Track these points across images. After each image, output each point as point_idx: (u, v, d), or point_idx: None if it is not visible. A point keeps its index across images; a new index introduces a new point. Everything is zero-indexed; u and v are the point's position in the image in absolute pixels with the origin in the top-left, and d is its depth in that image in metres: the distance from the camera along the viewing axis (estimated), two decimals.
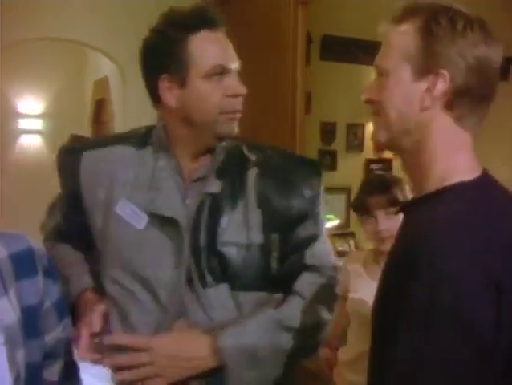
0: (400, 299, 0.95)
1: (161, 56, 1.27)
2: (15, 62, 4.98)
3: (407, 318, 0.94)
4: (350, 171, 4.84)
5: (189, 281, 1.29)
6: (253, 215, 1.32)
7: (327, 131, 4.85)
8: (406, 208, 1.14)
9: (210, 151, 1.34)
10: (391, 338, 0.95)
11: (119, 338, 1.29)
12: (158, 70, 1.28)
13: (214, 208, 1.31)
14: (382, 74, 1.08)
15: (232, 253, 1.30)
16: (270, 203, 1.33)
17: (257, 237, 1.32)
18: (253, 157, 1.37)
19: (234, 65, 1.30)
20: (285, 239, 1.35)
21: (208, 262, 1.29)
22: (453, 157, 1.03)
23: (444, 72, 1.01)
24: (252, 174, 1.35)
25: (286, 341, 1.30)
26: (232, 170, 1.34)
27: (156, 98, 1.32)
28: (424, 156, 1.04)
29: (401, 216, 1.13)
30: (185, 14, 1.27)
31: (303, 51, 3.16)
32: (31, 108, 5.83)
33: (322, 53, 4.70)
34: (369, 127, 5.06)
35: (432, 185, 1.03)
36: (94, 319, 1.30)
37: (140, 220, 1.31)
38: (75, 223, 1.43)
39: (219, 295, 1.29)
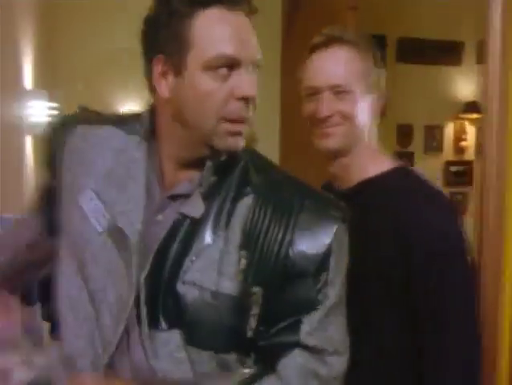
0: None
1: (160, 32, 0.99)
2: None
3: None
4: (428, 173, 4.78)
5: (138, 315, 1.00)
6: (231, 256, 0.99)
7: (404, 134, 4.83)
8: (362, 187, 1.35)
9: (201, 163, 1.03)
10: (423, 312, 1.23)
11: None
12: (154, 48, 1.01)
13: (188, 236, 1.00)
14: None
15: (192, 296, 0.98)
16: (260, 245, 1.00)
17: (227, 286, 0.98)
18: (255, 180, 1.04)
19: (251, 58, 0.99)
20: (272, 297, 0.99)
21: (164, 300, 0.99)
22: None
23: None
24: (246, 202, 1.02)
25: None
26: (225, 193, 1.02)
27: (150, 83, 1.04)
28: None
29: None
30: None
31: None
32: None
33: (397, 56, 4.71)
34: (448, 129, 5.00)
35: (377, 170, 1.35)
36: None
37: (102, 222, 1.05)
38: (46, 204, 1.18)
39: (168, 344, 0.98)
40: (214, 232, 1.00)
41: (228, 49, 0.96)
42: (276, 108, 3.55)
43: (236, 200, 1.02)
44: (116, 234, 1.03)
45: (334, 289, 1.01)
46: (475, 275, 1.33)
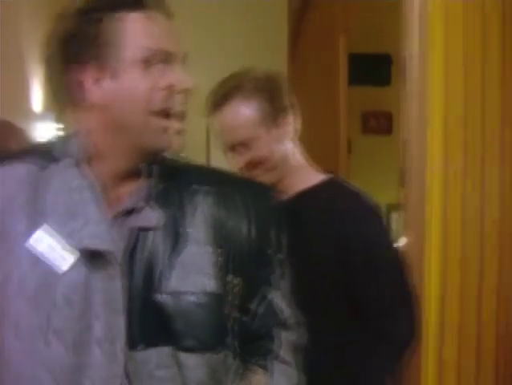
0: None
1: (84, 40, 0.96)
2: None
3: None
4: None
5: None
6: (205, 256, 1.00)
7: None
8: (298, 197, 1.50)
9: (139, 173, 1.00)
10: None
11: None
12: (80, 58, 0.97)
13: (152, 248, 0.98)
14: None
15: (176, 304, 0.97)
16: (229, 238, 1.02)
17: (211, 285, 0.99)
18: (199, 178, 1.06)
19: (181, 53, 1.01)
20: (249, 284, 1.03)
21: (141, 316, 0.96)
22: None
23: None
24: (200, 201, 1.03)
25: None
26: (177, 197, 1.01)
27: (72, 96, 0.99)
28: None
29: None
30: None
31: (345, 74, 3.57)
32: None
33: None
34: None
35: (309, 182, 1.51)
36: None
37: (62, 260, 0.95)
38: None
39: (147, 363, 0.96)
40: (176, 237, 0.99)
41: (160, 44, 0.97)
42: None
43: (190, 201, 1.02)
44: (89, 261, 0.95)
45: (287, 266, 1.09)
46: (403, 264, 1.50)
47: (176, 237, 0.99)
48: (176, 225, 0.99)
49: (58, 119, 4.12)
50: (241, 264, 1.02)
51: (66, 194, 0.96)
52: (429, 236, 1.86)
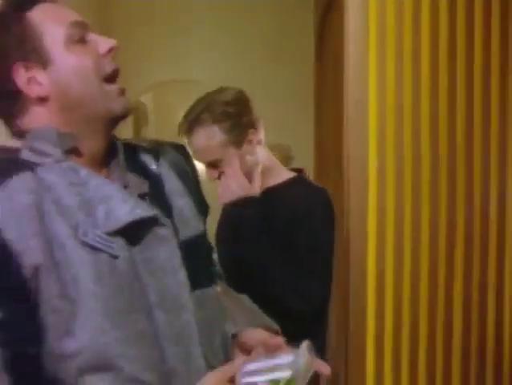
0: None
1: (8, 40, 0.99)
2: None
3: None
4: None
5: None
6: (188, 205, 1.11)
7: None
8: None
9: (107, 156, 1.06)
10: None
11: None
12: (10, 58, 0.99)
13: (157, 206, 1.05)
14: None
15: (195, 246, 1.08)
16: (190, 189, 1.14)
17: (200, 226, 1.13)
18: (145, 153, 1.14)
19: (85, 20, 1.06)
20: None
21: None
22: None
23: None
24: (161, 166, 1.12)
25: None
26: (139, 167, 1.09)
27: (15, 98, 1.01)
28: None
29: None
30: None
31: None
32: None
33: None
34: None
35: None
36: None
37: (113, 245, 0.95)
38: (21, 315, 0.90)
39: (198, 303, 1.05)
40: (166, 196, 1.09)
41: (73, 17, 1.02)
42: (310, 120, 3.40)
43: (157, 167, 1.11)
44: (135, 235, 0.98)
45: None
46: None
47: (162, 197, 1.08)
48: (157, 187, 1.08)
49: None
50: (200, 207, 1.16)
51: (74, 188, 0.95)
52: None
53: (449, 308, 1.97)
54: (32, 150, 0.98)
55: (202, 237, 1.14)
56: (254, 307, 1.34)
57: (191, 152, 1.64)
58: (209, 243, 1.23)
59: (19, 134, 1.02)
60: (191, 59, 4.50)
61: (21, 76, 0.99)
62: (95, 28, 1.06)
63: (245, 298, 1.37)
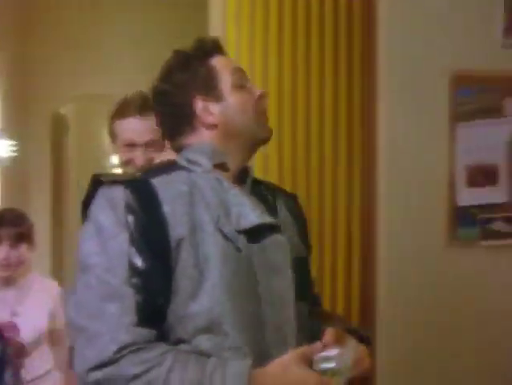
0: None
1: (194, 78, 1.29)
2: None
3: None
4: None
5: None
6: (297, 234, 1.34)
7: None
8: None
9: (242, 176, 1.30)
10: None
11: None
12: (193, 91, 1.28)
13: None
14: None
15: (302, 265, 1.29)
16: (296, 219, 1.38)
17: (306, 253, 1.37)
18: (273, 188, 1.42)
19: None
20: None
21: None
22: None
23: None
24: (277, 201, 1.36)
25: None
26: (258, 193, 1.33)
27: (189, 122, 1.28)
28: None
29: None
30: (200, 43, 1.33)
31: None
32: None
33: None
34: None
35: None
36: None
37: (240, 240, 1.16)
38: (159, 280, 1.10)
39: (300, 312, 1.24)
40: (278, 214, 1.30)
41: (235, 65, 1.34)
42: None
43: (273, 199, 1.35)
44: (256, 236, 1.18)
45: None
46: None
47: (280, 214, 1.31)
48: (272, 215, 1.25)
49: (12, 137, 4.28)
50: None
51: (215, 192, 1.18)
52: None
53: None
54: (188, 160, 1.24)
55: (307, 261, 1.34)
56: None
57: (119, 133, 1.81)
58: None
59: (177, 148, 1.30)
60: (109, 73, 4.87)
61: (199, 106, 1.26)
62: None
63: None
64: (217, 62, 1.31)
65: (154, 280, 1.07)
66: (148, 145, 1.76)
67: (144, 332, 1.04)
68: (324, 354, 1.05)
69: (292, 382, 1.03)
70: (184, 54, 1.31)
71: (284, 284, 1.18)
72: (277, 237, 1.20)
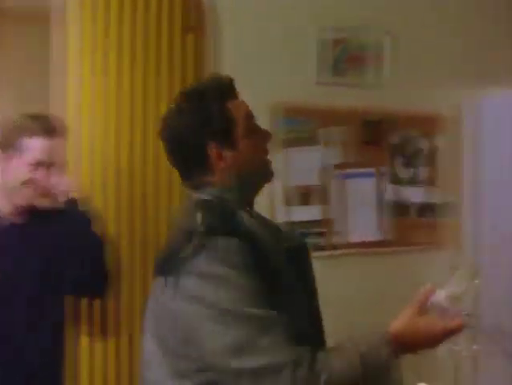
0: None
1: (209, 121, 1.31)
2: None
3: None
4: None
5: None
6: None
7: None
8: None
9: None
10: None
11: None
12: (208, 135, 1.31)
13: None
14: None
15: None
16: None
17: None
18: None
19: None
20: None
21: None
22: None
23: None
24: None
25: None
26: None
27: (201, 163, 1.33)
28: None
29: None
30: (217, 83, 1.37)
31: None
32: None
33: None
34: None
35: None
36: None
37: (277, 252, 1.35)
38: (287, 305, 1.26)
39: None
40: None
41: (247, 109, 1.38)
42: None
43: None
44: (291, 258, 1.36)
45: None
46: None
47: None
48: None
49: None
50: None
51: (261, 224, 1.35)
52: None
53: None
54: (217, 197, 1.30)
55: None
56: None
57: (36, 151, 1.84)
58: None
59: (194, 186, 1.34)
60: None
61: (213, 152, 1.30)
62: None
63: None
64: (232, 105, 1.34)
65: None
66: (50, 166, 1.82)
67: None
68: (437, 298, 1.19)
69: (422, 332, 1.18)
70: (200, 93, 1.34)
71: (313, 281, 1.45)
72: (307, 251, 1.47)
